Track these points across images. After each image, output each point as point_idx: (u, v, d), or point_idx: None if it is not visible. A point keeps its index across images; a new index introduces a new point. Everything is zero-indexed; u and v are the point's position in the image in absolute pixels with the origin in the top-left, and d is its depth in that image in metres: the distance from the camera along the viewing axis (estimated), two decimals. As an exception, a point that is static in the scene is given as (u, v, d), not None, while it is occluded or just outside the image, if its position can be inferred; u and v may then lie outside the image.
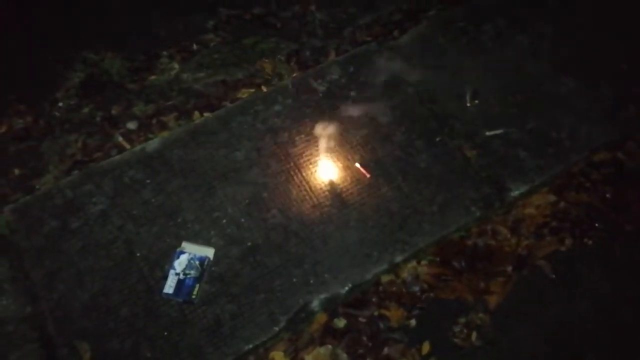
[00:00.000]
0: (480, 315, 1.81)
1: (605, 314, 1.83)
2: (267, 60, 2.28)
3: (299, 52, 2.31)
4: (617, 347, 1.78)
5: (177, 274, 1.76)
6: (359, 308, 1.81)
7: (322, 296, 1.76)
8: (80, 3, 2.43)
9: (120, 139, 2.11)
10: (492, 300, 1.84)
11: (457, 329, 1.79)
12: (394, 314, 1.80)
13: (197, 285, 1.75)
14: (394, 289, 1.84)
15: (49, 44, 2.33)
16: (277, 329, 1.72)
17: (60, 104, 2.21)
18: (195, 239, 1.83)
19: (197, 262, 1.77)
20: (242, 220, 1.87)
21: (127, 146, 2.08)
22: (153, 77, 2.26)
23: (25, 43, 2.34)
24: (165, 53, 2.31)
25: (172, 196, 1.91)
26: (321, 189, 1.93)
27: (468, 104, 2.11)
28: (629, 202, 2.02)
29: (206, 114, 2.11)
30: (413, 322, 1.80)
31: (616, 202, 2.02)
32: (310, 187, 1.93)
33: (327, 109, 2.08)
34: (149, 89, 2.23)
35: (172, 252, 1.80)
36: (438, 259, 1.89)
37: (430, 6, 2.41)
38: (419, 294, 1.84)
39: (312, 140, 2.02)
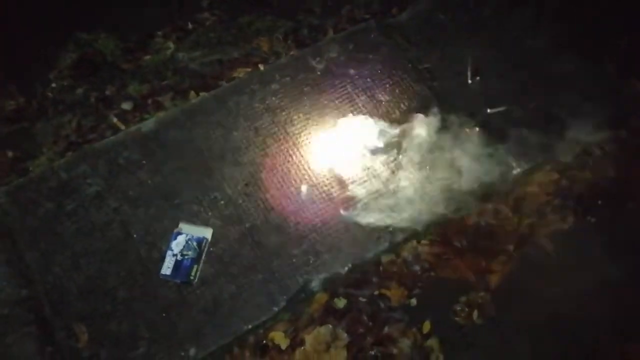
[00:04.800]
0: (482, 293, 1.80)
1: (607, 292, 1.81)
2: (263, 39, 2.23)
3: (296, 30, 2.27)
4: (619, 326, 1.77)
5: (175, 255, 1.73)
6: (359, 288, 1.79)
7: (322, 276, 1.74)
8: (72, -18, 2.38)
9: (115, 119, 2.07)
10: (493, 279, 1.82)
11: (458, 307, 1.78)
12: (395, 293, 1.78)
13: (195, 266, 1.73)
14: (395, 268, 1.82)
15: (40, 24, 2.28)
16: (276, 309, 1.70)
17: (54, 85, 2.17)
18: (193, 220, 1.81)
19: (195, 243, 1.75)
20: (240, 200, 1.85)
21: (122, 127, 2.04)
22: (148, 56, 2.22)
23: (17, 23, 2.29)
24: (159, 32, 2.27)
25: (168, 177, 1.88)
26: (320, 168, 1.90)
27: (469, 81, 2.07)
28: (631, 179, 1.99)
29: (202, 94, 2.07)
30: (414, 301, 1.78)
31: (619, 179, 1.99)
32: (309, 167, 1.90)
33: (325, 88, 2.04)
34: (143, 69, 2.19)
35: (170, 234, 1.78)
36: (439, 238, 1.87)
37: (429, -18, 2.36)
38: (419, 273, 1.82)
39: (311, 119, 1.98)
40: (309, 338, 1.71)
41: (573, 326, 1.76)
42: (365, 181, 1.88)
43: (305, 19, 2.31)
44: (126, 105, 2.10)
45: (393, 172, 1.89)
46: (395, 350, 1.71)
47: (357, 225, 1.81)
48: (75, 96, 2.14)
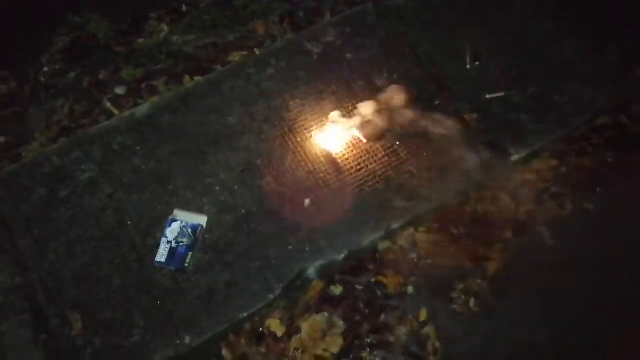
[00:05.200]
0: (479, 281, 1.79)
1: (605, 280, 1.80)
2: (259, 22, 2.19)
3: (293, 12, 2.23)
4: (617, 314, 1.76)
5: (169, 242, 1.72)
6: (355, 275, 1.78)
7: (318, 263, 1.73)
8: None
9: (109, 104, 2.04)
10: (491, 267, 1.81)
11: (455, 295, 1.77)
12: (391, 280, 1.78)
13: (190, 254, 1.71)
14: (391, 256, 1.81)
15: (31, 6, 2.24)
16: (272, 297, 1.69)
17: (46, 69, 2.14)
18: (188, 206, 1.79)
19: (190, 230, 1.73)
20: (236, 187, 1.82)
21: (116, 112, 2.02)
22: (141, 40, 2.18)
23: (7, 6, 2.24)
24: (153, 15, 2.23)
25: (163, 163, 1.86)
26: (316, 154, 1.87)
27: (468, 66, 2.04)
28: (631, 166, 1.97)
29: (197, 78, 2.04)
30: (410, 289, 1.77)
31: (618, 166, 1.97)
32: (305, 153, 1.87)
33: (322, 72, 2.01)
34: (137, 52, 2.15)
35: (164, 220, 1.76)
36: (436, 225, 1.85)
37: (429, -36, 2.31)
38: (416, 260, 1.81)
39: (307, 104, 1.95)
40: (305, 326, 1.70)
41: (571, 315, 1.75)
42: (361, 168, 1.85)
43: (302, 1, 2.27)
44: (120, 90, 2.07)
45: (390, 158, 1.87)
46: (391, 338, 1.70)
47: (354, 212, 1.79)
48: (68, 80, 2.10)
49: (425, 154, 1.88)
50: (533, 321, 1.75)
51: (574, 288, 1.79)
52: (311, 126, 1.92)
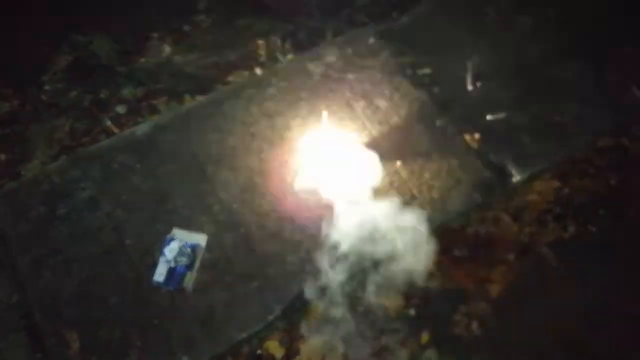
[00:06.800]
0: (481, 304, 1.76)
1: (609, 302, 1.78)
2: (261, 42, 2.21)
3: (295, 33, 2.25)
4: (620, 337, 1.74)
5: (168, 262, 1.70)
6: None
7: (318, 284, 1.71)
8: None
9: (109, 123, 2.05)
10: (494, 289, 1.79)
11: (457, 318, 1.74)
12: (393, 302, 1.75)
13: (189, 273, 1.69)
14: (393, 277, 1.79)
15: (35, 25, 2.26)
16: (271, 318, 1.67)
17: (47, 88, 2.14)
18: (187, 225, 1.78)
19: (189, 249, 1.72)
20: (235, 206, 1.82)
21: (116, 130, 2.02)
22: (143, 59, 2.20)
23: (10, 25, 2.26)
24: (155, 35, 2.25)
25: (162, 182, 1.85)
26: (317, 174, 1.86)
27: (469, 87, 2.05)
28: (633, 188, 1.97)
29: (198, 97, 2.05)
30: (412, 311, 1.75)
31: (620, 188, 1.96)
32: (305, 173, 1.86)
33: (323, 93, 2.01)
34: (138, 71, 2.17)
35: (163, 239, 1.74)
36: (438, 247, 1.83)
37: (430, -13, 2.34)
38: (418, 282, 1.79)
39: (308, 125, 1.96)
40: (304, 348, 1.67)
41: (574, 337, 1.73)
42: (363, 187, 1.84)
43: (304, 22, 2.29)
44: (120, 109, 2.08)
45: (392, 178, 1.87)
46: (392, 361, 1.68)
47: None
48: (69, 99, 2.11)
49: (426, 174, 1.87)
50: (537, 345, 1.72)
51: (578, 311, 1.76)
52: (311, 146, 1.91)
